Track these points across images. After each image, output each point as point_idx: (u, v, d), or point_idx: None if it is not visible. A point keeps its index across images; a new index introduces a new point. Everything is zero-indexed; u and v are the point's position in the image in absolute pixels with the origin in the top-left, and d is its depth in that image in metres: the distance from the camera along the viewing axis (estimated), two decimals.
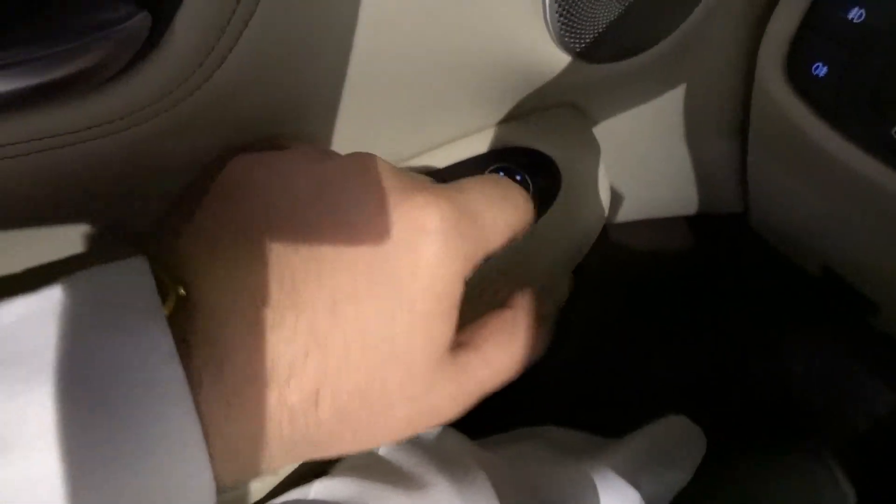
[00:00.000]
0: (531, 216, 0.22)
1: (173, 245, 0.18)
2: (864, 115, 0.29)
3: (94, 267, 0.17)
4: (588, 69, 0.32)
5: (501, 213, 0.20)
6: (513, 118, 0.35)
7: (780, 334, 0.55)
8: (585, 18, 0.29)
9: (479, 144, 0.34)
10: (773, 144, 0.36)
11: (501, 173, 0.34)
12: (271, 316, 0.16)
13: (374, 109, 0.29)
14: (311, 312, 0.16)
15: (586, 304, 0.50)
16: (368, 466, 0.30)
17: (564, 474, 0.31)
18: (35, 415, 0.14)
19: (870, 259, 0.39)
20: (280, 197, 0.18)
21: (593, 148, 0.37)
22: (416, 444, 0.31)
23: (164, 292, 0.16)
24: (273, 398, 0.16)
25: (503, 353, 0.20)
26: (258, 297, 0.16)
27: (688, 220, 0.50)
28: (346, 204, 0.18)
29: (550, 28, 0.29)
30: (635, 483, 0.31)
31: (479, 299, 0.25)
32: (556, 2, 0.28)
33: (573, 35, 0.29)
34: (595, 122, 0.39)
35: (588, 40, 0.30)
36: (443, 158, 0.34)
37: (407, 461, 0.30)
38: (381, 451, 0.31)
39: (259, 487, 0.31)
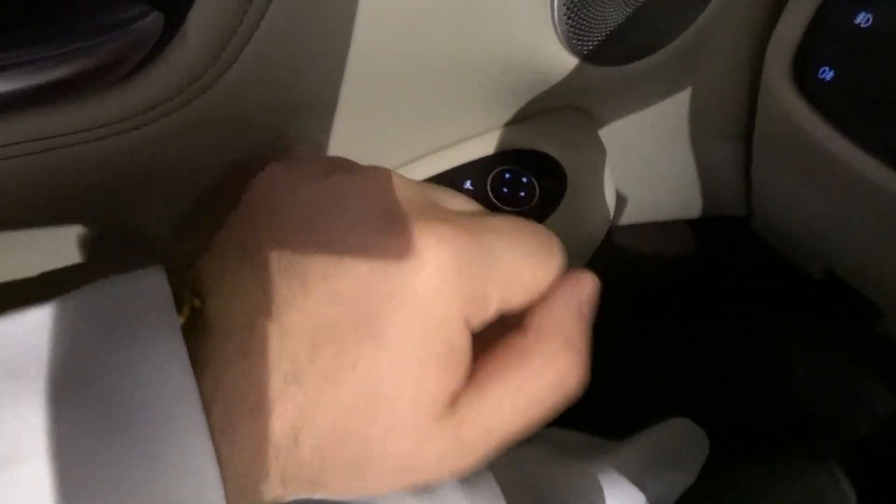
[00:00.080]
0: (562, 272, 0.18)
1: (195, 257, 0.18)
2: (870, 119, 0.29)
3: (111, 277, 0.16)
4: (595, 72, 0.32)
5: (528, 263, 0.17)
6: (519, 120, 0.35)
7: (781, 337, 0.55)
8: (593, 21, 0.29)
9: (485, 146, 0.35)
10: (779, 147, 0.36)
11: (507, 175, 0.34)
12: (259, 341, 0.15)
13: (381, 110, 0.29)
14: (293, 341, 0.15)
15: None
16: None
17: (569, 475, 0.31)
18: (41, 428, 0.13)
19: (873, 262, 0.39)
20: (281, 216, 0.17)
21: (599, 150, 0.37)
22: None
23: (179, 301, 0.16)
24: (259, 431, 0.15)
25: (515, 394, 0.16)
26: (249, 319, 0.16)
27: (691, 223, 0.50)
28: (342, 225, 0.16)
29: (558, 30, 0.29)
30: (640, 485, 0.31)
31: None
32: (564, 4, 0.28)
33: (581, 37, 0.29)
34: (601, 125, 0.39)
35: (595, 43, 0.30)
36: (449, 160, 0.34)
37: None
38: None
39: None
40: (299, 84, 0.25)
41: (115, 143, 0.21)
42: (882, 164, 0.29)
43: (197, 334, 0.16)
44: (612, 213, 0.38)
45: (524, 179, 0.34)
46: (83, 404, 0.14)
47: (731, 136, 0.40)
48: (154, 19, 0.19)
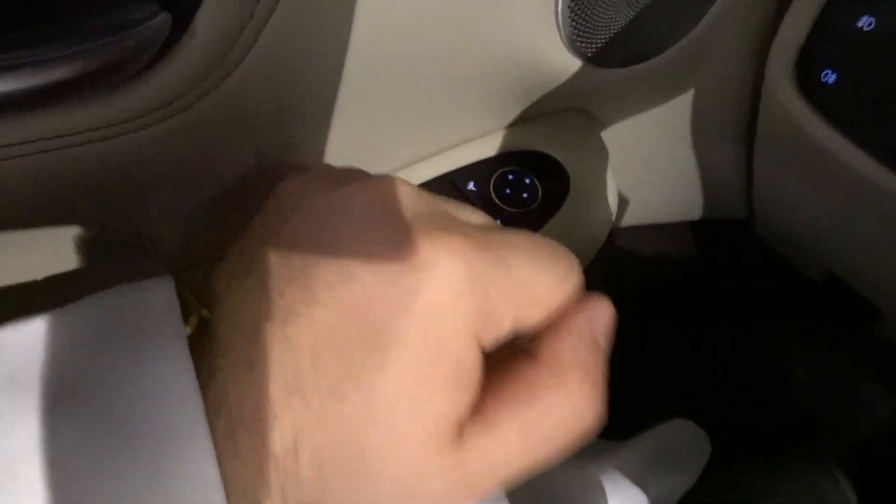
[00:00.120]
0: (580, 291, 0.17)
1: (207, 268, 0.17)
2: (872, 122, 0.29)
3: (119, 286, 0.16)
4: (598, 74, 0.32)
5: (544, 280, 0.16)
6: (522, 122, 0.35)
7: (782, 339, 0.55)
8: (597, 24, 0.29)
9: (488, 147, 0.35)
10: (781, 149, 0.36)
11: (510, 176, 0.34)
12: (263, 351, 0.15)
13: (384, 111, 0.29)
14: (297, 352, 0.15)
15: None
16: None
17: (572, 475, 0.31)
18: (38, 438, 0.13)
19: (873, 264, 0.40)
20: (291, 225, 0.17)
21: (601, 152, 0.37)
22: None
23: (186, 310, 0.15)
24: (260, 444, 0.14)
25: (525, 430, 0.15)
26: (254, 329, 0.15)
27: (692, 225, 0.50)
28: (349, 234, 0.16)
29: (562, 32, 0.29)
30: (642, 485, 0.31)
31: None
32: (568, 7, 0.28)
33: (584, 40, 0.30)
34: (603, 127, 0.39)
35: (599, 45, 0.30)
36: (452, 161, 0.34)
37: None
38: None
39: None
40: (303, 85, 0.25)
41: (122, 142, 0.21)
42: (883, 166, 0.29)
43: (203, 344, 0.15)
44: (614, 215, 0.38)
45: (527, 181, 0.35)
46: (84, 415, 0.14)
47: (732, 138, 0.40)
48: (162, 20, 0.19)
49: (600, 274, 0.45)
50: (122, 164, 0.23)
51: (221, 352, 0.15)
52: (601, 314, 0.17)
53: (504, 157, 0.35)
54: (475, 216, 0.18)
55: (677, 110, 0.39)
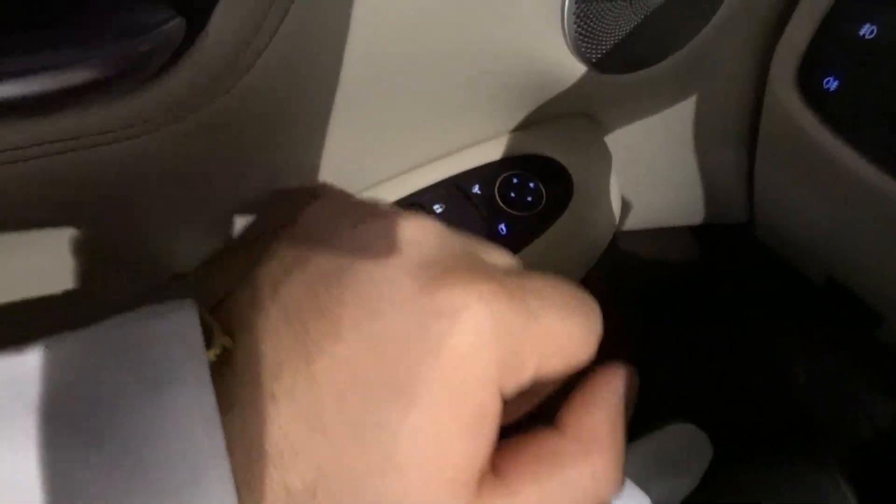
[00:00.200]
0: (599, 337, 0.17)
1: (234, 295, 0.17)
2: (874, 128, 0.29)
3: (142, 309, 0.16)
4: (603, 79, 0.32)
5: (568, 329, 0.16)
6: (526, 126, 0.36)
7: (783, 342, 0.55)
8: (602, 29, 0.29)
9: (494, 151, 0.35)
10: (783, 155, 0.37)
11: (515, 180, 0.35)
12: (287, 386, 0.15)
13: (392, 115, 0.30)
14: (321, 389, 0.15)
15: None
16: None
17: None
18: (45, 462, 0.13)
19: (874, 268, 0.40)
20: (317, 257, 0.17)
21: (605, 156, 0.37)
22: None
23: (208, 338, 0.15)
24: (280, 481, 0.14)
25: (544, 497, 0.15)
26: (278, 362, 0.15)
27: (694, 229, 0.50)
28: (379, 273, 0.16)
29: (568, 38, 0.29)
30: (644, 487, 0.31)
31: None
32: (573, 13, 0.28)
33: (590, 45, 0.30)
34: (607, 131, 0.39)
35: (604, 51, 0.30)
36: (459, 164, 0.34)
37: None
38: None
39: None
40: (312, 88, 0.25)
41: (134, 145, 0.22)
42: (884, 171, 0.29)
43: (224, 373, 0.15)
44: (617, 219, 0.38)
45: (531, 184, 0.35)
46: (103, 443, 0.14)
47: (734, 143, 0.41)
48: (177, 24, 0.19)
49: (603, 277, 0.46)
50: (134, 166, 0.23)
51: (242, 383, 0.15)
52: (627, 386, 0.17)
53: (509, 161, 0.35)
54: (502, 258, 0.18)
55: (680, 115, 0.39)
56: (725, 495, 0.39)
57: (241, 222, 0.30)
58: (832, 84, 0.29)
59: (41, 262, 0.26)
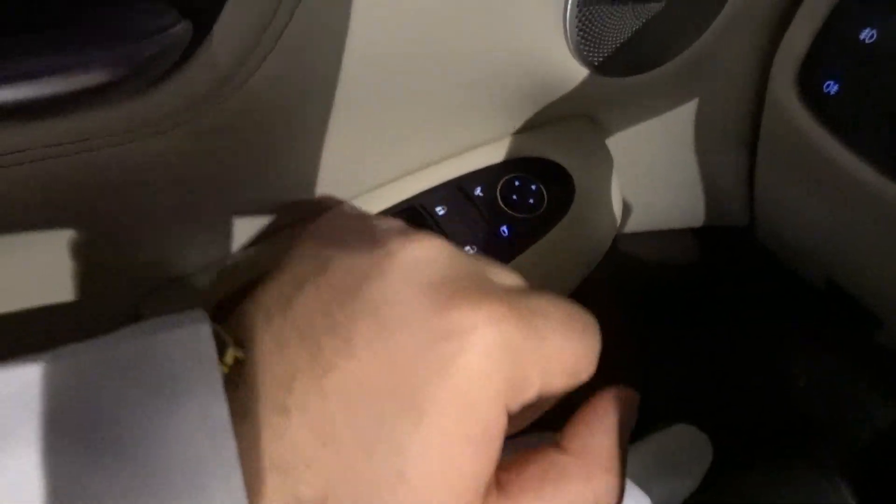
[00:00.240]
0: (597, 361, 0.18)
1: (245, 306, 0.18)
2: (873, 132, 0.30)
3: (154, 320, 0.16)
4: (604, 82, 0.32)
5: (571, 348, 0.17)
6: (528, 129, 0.36)
7: (783, 345, 0.56)
8: (604, 33, 0.30)
9: (496, 153, 0.35)
10: (783, 158, 0.37)
11: (517, 182, 0.35)
12: (299, 400, 0.15)
13: (395, 117, 0.30)
14: (333, 404, 0.15)
15: (595, 313, 0.50)
16: None
17: None
18: (72, 481, 0.13)
19: (874, 272, 0.40)
20: (329, 273, 0.17)
21: (606, 159, 0.38)
22: None
23: (220, 349, 0.16)
24: (288, 490, 0.15)
25: None
26: (290, 376, 0.15)
27: (694, 231, 0.50)
28: (392, 293, 0.16)
29: (570, 41, 0.29)
30: (645, 488, 0.31)
31: None
32: (576, 17, 0.28)
33: (591, 48, 0.30)
34: (608, 134, 0.39)
35: (606, 54, 0.31)
36: (461, 166, 0.34)
37: None
38: None
39: None
40: (315, 92, 0.26)
41: (139, 147, 0.22)
42: (884, 175, 0.29)
43: (236, 384, 0.16)
44: (618, 221, 0.38)
45: (533, 187, 0.35)
46: (116, 453, 0.14)
47: (735, 145, 0.41)
48: (183, 28, 0.20)
49: (604, 279, 0.46)
50: (139, 169, 0.23)
51: (255, 395, 0.15)
52: (628, 409, 0.18)
53: (511, 163, 0.35)
54: (509, 278, 0.19)
55: (681, 118, 0.39)
56: (726, 497, 0.39)
57: (242, 225, 0.31)
58: (832, 87, 0.30)
59: (42, 264, 0.26)
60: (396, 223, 0.19)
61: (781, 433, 0.52)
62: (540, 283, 0.35)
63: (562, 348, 0.16)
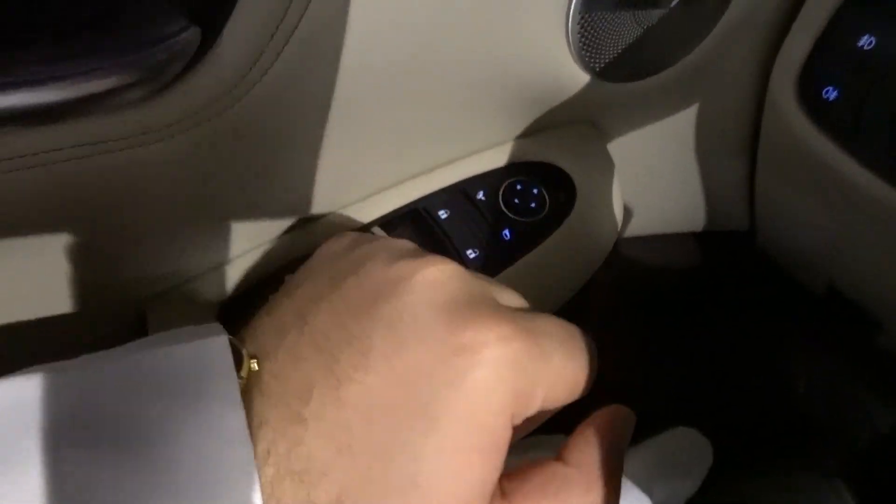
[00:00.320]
0: (594, 379, 0.19)
1: (259, 320, 0.19)
2: (872, 138, 0.30)
3: (172, 332, 0.17)
4: (606, 87, 0.33)
5: (572, 366, 0.18)
6: (530, 133, 0.36)
7: (783, 349, 0.56)
8: (605, 39, 0.30)
9: (498, 158, 0.35)
10: (783, 163, 0.37)
11: (519, 186, 0.35)
12: (317, 410, 0.16)
13: (397, 121, 0.30)
14: (350, 414, 0.16)
15: (596, 316, 0.51)
16: None
17: None
18: (87, 482, 0.14)
19: (874, 277, 0.40)
20: (345, 290, 0.18)
21: (608, 163, 0.38)
22: None
23: (237, 361, 0.16)
24: (304, 496, 0.15)
25: None
26: (307, 387, 0.16)
27: (695, 236, 0.51)
28: (407, 310, 0.17)
29: (572, 47, 0.30)
30: (648, 490, 0.31)
31: None
32: (578, 23, 0.29)
33: (593, 54, 0.30)
34: (609, 139, 0.40)
35: (607, 60, 0.31)
36: (464, 170, 0.35)
37: None
38: None
39: None
40: (321, 98, 0.26)
41: (147, 152, 0.22)
42: (883, 180, 0.30)
43: (253, 395, 0.16)
44: (619, 225, 0.38)
45: (535, 191, 0.35)
46: (136, 459, 0.14)
47: (735, 151, 0.41)
48: (191, 34, 0.20)
49: (606, 283, 0.46)
50: (146, 172, 0.24)
51: (271, 404, 0.16)
52: (626, 426, 0.19)
53: (513, 168, 0.36)
54: (514, 299, 0.20)
55: (682, 124, 0.39)
56: (726, 499, 0.39)
57: (247, 229, 0.31)
58: (831, 94, 0.30)
59: (48, 268, 0.26)
60: (409, 244, 0.21)
61: (782, 436, 0.52)
62: (542, 286, 0.36)
63: (564, 366, 0.18)
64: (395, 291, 0.18)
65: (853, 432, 0.51)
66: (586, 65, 0.31)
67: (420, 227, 0.33)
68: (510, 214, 0.35)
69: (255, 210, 0.30)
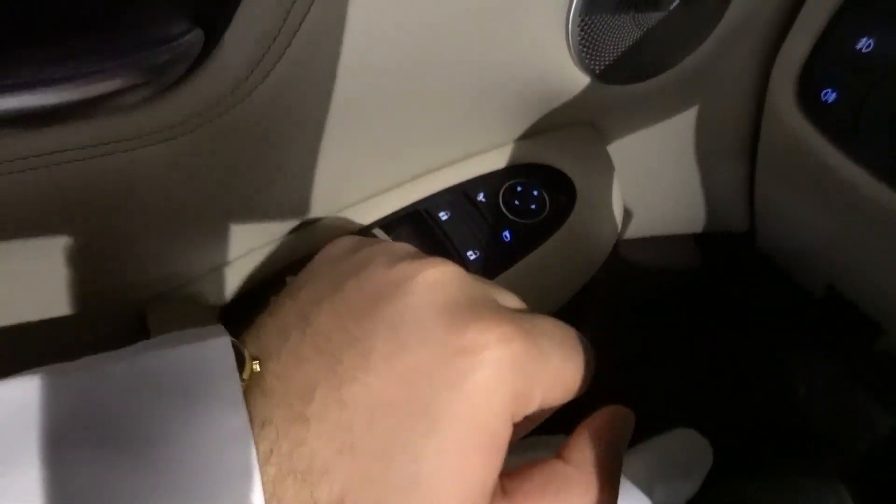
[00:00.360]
0: (590, 380, 0.20)
1: (261, 321, 0.19)
2: (870, 139, 0.30)
3: (173, 335, 0.17)
4: (605, 90, 0.33)
5: (569, 367, 0.18)
6: (531, 135, 0.36)
7: (783, 351, 0.56)
8: (605, 41, 0.30)
9: (499, 159, 0.36)
10: (782, 165, 0.37)
11: (519, 188, 0.35)
12: (319, 409, 0.16)
13: (399, 123, 0.30)
14: (352, 413, 0.16)
15: (596, 318, 0.51)
16: None
17: None
18: (93, 486, 0.14)
19: (873, 279, 0.40)
20: (347, 292, 0.18)
21: (607, 165, 0.38)
22: None
23: (239, 362, 0.17)
24: (307, 495, 0.15)
25: None
26: (310, 387, 0.16)
27: (695, 237, 0.51)
28: (408, 312, 0.17)
29: (572, 50, 0.30)
30: (648, 491, 0.31)
31: None
32: (578, 25, 0.29)
33: (593, 57, 0.31)
34: (609, 141, 0.40)
35: (607, 62, 0.31)
36: (465, 172, 0.35)
37: None
38: None
39: None
40: (322, 99, 0.26)
41: (150, 152, 0.22)
42: (881, 181, 0.30)
43: (255, 395, 0.16)
44: (619, 227, 0.38)
45: (535, 192, 0.35)
46: (137, 464, 0.15)
47: (735, 153, 0.41)
48: (195, 36, 0.20)
49: (605, 285, 0.46)
50: (149, 173, 0.24)
51: (274, 405, 0.16)
52: (626, 427, 0.20)
53: (513, 170, 0.36)
54: (513, 301, 0.20)
55: (682, 125, 0.40)
56: (726, 502, 0.39)
57: (248, 231, 0.31)
58: (830, 96, 0.30)
59: (50, 269, 0.26)
60: (409, 247, 0.21)
61: (782, 438, 0.52)
62: (542, 287, 0.36)
63: (561, 367, 0.18)
64: (396, 293, 0.18)
65: (853, 435, 0.51)
66: (586, 67, 0.31)
67: (421, 228, 0.34)
68: (510, 216, 0.35)
69: (256, 211, 0.30)
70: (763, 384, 0.55)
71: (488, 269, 0.33)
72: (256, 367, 0.17)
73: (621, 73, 0.32)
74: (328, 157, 0.29)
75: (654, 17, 0.30)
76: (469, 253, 0.33)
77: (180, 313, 0.31)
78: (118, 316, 0.31)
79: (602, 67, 0.31)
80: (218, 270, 0.32)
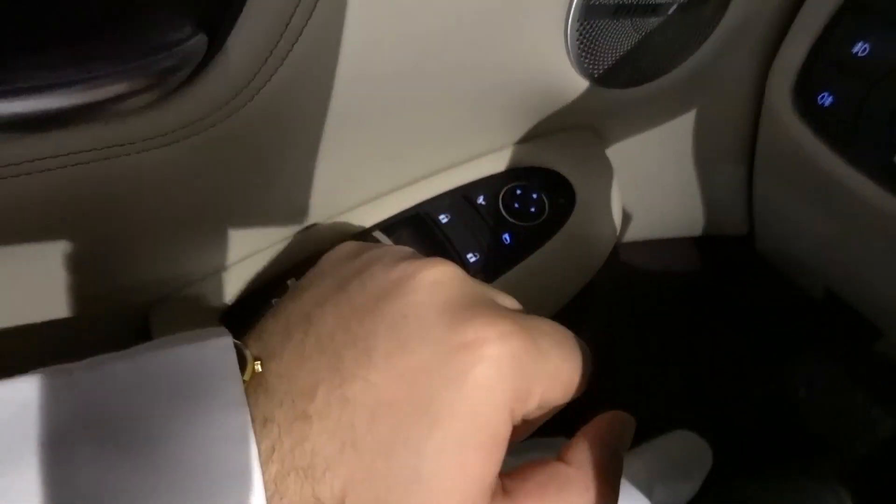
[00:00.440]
0: (587, 381, 0.20)
1: (264, 323, 0.19)
2: (867, 143, 0.30)
3: (178, 335, 0.17)
4: (604, 93, 0.33)
5: (568, 366, 0.19)
6: (530, 139, 0.37)
7: (782, 354, 0.56)
8: (604, 46, 0.30)
9: (498, 163, 0.36)
10: (780, 169, 0.38)
11: (519, 191, 0.35)
12: (321, 407, 0.16)
13: (400, 127, 0.30)
14: (353, 410, 0.16)
15: (595, 320, 0.51)
16: None
17: None
18: (94, 485, 0.14)
19: (872, 282, 0.40)
20: (349, 292, 0.18)
21: (606, 169, 0.38)
22: None
23: (241, 362, 0.17)
24: (309, 492, 0.16)
25: None
26: (312, 385, 0.17)
27: (694, 240, 0.51)
28: (409, 310, 0.18)
29: (570, 54, 0.30)
30: (648, 492, 0.31)
31: None
32: (577, 30, 0.29)
33: (592, 61, 0.31)
34: (608, 144, 0.40)
35: (606, 66, 0.31)
36: (465, 175, 0.35)
37: None
38: None
39: None
40: (324, 103, 0.26)
41: (153, 156, 0.23)
42: (879, 185, 0.30)
43: (257, 394, 0.17)
44: (618, 230, 0.39)
45: (534, 196, 0.36)
46: (139, 463, 0.15)
47: (733, 156, 0.41)
48: (198, 41, 0.20)
49: (604, 287, 0.46)
50: (152, 177, 0.24)
51: (276, 403, 0.17)
52: (626, 430, 0.20)
53: (513, 173, 0.36)
54: (510, 302, 0.21)
55: (680, 129, 0.40)
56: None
57: (250, 233, 0.31)
58: (826, 99, 0.30)
59: (53, 272, 0.26)
60: (409, 249, 0.21)
61: (781, 441, 0.52)
62: (541, 289, 0.36)
63: (560, 366, 0.18)
64: (398, 292, 0.18)
65: (853, 438, 0.52)
66: (585, 71, 0.31)
67: (421, 230, 0.34)
68: (510, 219, 0.35)
69: (258, 215, 0.30)
70: (762, 386, 0.55)
71: (488, 271, 0.34)
72: (258, 368, 0.17)
73: (620, 77, 0.32)
74: (329, 161, 0.29)
75: (652, 22, 0.30)
76: (469, 255, 0.34)
77: (182, 316, 0.31)
78: (120, 318, 0.32)
79: (601, 71, 0.31)
80: (220, 273, 0.32)
